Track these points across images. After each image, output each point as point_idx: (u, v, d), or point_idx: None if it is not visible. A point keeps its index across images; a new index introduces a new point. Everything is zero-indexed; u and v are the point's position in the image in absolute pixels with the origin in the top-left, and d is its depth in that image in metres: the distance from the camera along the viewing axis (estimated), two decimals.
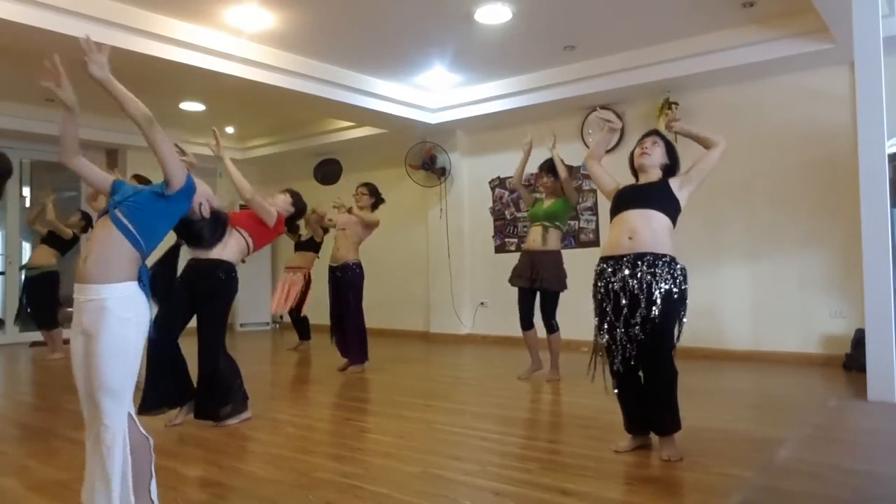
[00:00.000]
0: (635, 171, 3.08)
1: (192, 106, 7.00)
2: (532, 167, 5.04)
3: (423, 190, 7.52)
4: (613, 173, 3.22)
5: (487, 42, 5.30)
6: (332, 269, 5.40)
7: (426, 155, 7.42)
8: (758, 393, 4.48)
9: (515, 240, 7.11)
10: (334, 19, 4.80)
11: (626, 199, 2.97)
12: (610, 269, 2.87)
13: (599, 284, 2.92)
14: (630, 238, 2.83)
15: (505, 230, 7.21)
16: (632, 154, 3.10)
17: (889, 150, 3.91)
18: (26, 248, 8.49)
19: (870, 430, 3.45)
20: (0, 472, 2.85)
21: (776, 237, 5.45)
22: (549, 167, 4.72)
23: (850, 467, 2.77)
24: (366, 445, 3.28)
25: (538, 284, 4.65)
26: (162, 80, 5.71)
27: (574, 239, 6.55)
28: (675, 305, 2.79)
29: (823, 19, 4.34)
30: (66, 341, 7.18)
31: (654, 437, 2.95)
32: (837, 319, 5.14)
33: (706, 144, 2.97)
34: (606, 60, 5.73)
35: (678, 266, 2.83)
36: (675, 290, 2.78)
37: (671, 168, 3.02)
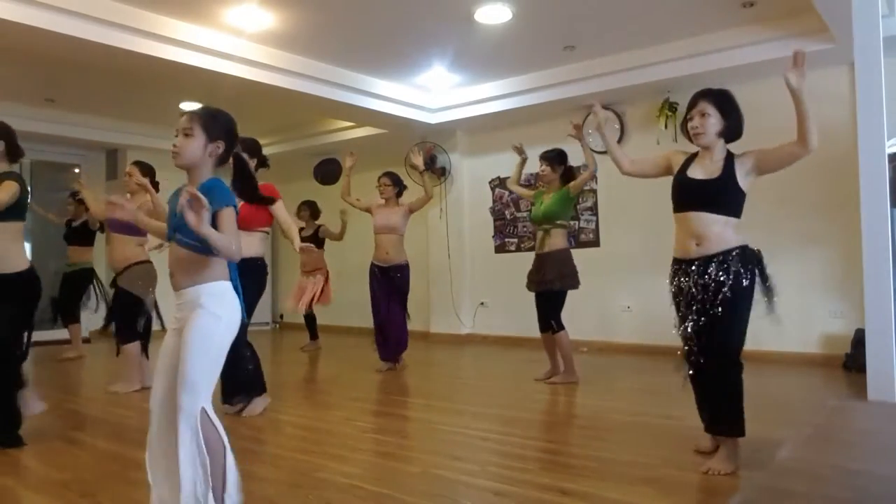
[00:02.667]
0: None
1: (192, 106, 7.00)
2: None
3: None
4: (614, 174, 3.18)
5: (487, 42, 5.30)
6: (382, 270, 5.34)
7: (426, 155, 7.42)
8: (758, 393, 4.44)
9: (515, 240, 7.11)
10: (334, 19, 4.80)
11: (689, 196, 2.77)
12: (681, 271, 2.78)
13: (674, 283, 2.83)
14: (697, 245, 2.72)
15: (505, 230, 7.21)
16: (685, 122, 2.88)
17: (889, 150, 3.91)
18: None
19: (870, 430, 3.43)
20: (0, 472, 2.85)
21: (776, 237, 5.44)
22: (548, 157, 4.67)
23: (850, 467, 2.75)
24: (366, 445, 3.28)
25: (543, 287, 4.59)
26: (162, 80, 5.72)
27: (574, 239, 6.54)
28: (747, 293, 2.66)
29: (823, 19, 4.34)
30: (86, 340, 7.15)
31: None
32: (837, 319, 5.14)
33: (800, 134, 2.62)
34: (606, 60, 5.73)
35: (750, 251, 2.71)
36: (745, 278, 2.65)
37: (732, 127, 2.78)
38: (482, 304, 7.35)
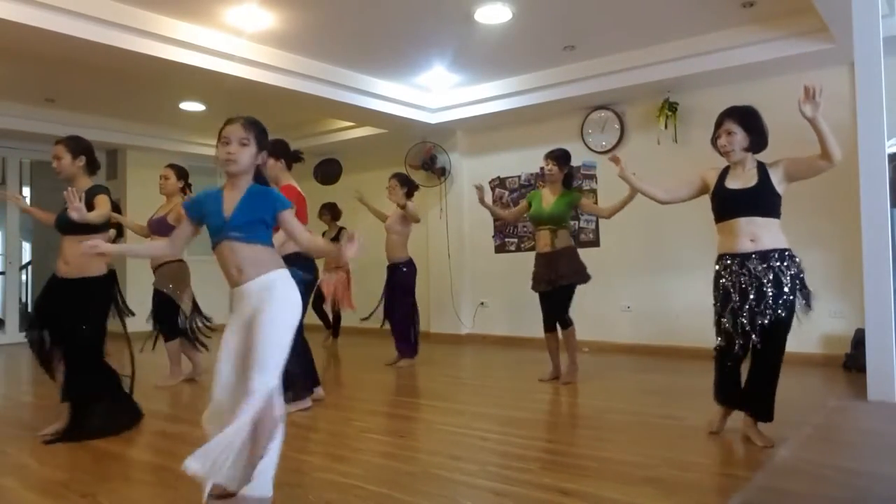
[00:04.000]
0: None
1: (192, 106, 6.99)
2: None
3: (424, 190, 7.50)
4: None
5: (487, 42, 5.30)
6: (388, 269, 5.74)
7: (426, 155, 7.42)
8: None
9: (515, 240, 7.11)
10: (334, 19, 4.80)
11: (733, 207, 2.99)
12: (737, 264, 2.94)
13: (726, 275, 2.97)
14: (752, 241, 2.92)
15: (505, 230, 7.21)
16: (714, 140, 3.07)
17: (889, 150, 3.91)
18: (26, 248, 8.50)
19: (870, 430, 3.45)
20: (0, 472, 2.85)
21: None
22: (555, 156, 4.66)
23: (851, 467, 2.76)
24: (366, 445, 3.28)
25: (559, 283, 4.60)
26: (162, 80, 5.71)
27: (574, 239, 6.53)
28: (797, 291, 2.93)
29: (823, 19, 4.34)
30: None
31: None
32: (837, 319, 5.14)
33: (823, 152, 2.88)
34: (606, 60, 5.73)
35: (796, 258, 2.97)
36: (799, 275, 2.93)
37: (758, 141, 2.99)
38: (482, 304, 7.35)
